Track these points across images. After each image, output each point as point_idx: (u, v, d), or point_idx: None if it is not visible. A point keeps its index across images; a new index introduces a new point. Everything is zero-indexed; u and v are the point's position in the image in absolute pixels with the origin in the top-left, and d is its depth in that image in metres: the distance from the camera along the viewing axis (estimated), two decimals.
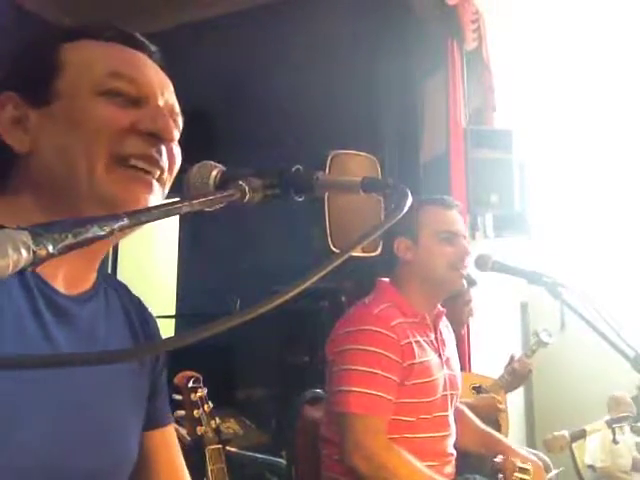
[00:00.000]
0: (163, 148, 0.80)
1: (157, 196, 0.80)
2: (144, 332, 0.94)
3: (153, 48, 0.86)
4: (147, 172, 0.79)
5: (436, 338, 1.87)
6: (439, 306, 1.91)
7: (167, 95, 0.84)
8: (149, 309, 0.99)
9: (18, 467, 0.71)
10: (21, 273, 0.72)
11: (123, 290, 0.95)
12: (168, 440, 0.98)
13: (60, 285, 0.80)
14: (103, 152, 0.76)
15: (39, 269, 0.75)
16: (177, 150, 0.83)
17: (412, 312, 1.81)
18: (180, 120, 0.86)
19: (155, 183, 0.80)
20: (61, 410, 0.77)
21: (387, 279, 1.91)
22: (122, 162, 0.77)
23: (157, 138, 0.79)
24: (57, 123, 0.78)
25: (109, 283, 0.92)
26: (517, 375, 2.68)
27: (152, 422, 0.95)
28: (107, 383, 0.83)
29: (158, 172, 0.80)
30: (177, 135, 0.81)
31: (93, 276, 0.87)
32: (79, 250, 0.76)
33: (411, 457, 1.68)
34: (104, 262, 0.92)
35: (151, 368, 0.95)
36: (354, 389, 1.67)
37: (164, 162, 0.80)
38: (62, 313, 0.79)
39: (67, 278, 0.81)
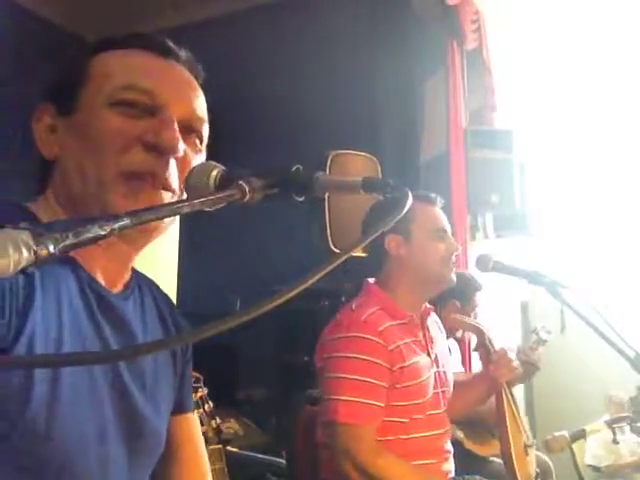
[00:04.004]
0: (171, 159, 0.80)
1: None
2: (175, 327, 0.98)
3: (183, 53, 0.88)
4: (153, 183, 0.79)
5: (424, 336, 1.86)
6: (427, 304, 1.91)
7: (187, 103, 0.84)
8: (177, 309, 1.03)
9: (57, 457, 0.74)
10: (73, 268, 0.78)
11: (153, 286, 0.99)
12: (191, 425, 1.03)
13: (103, 283, 0.83)
14: (110, 164, 0.78)
15: (85, 265, 0.80)
16: (190, 158, 0.83)
17: (400, 314, 1.81)
18: (204, 127, 0.86)
19: (163, 193, 0.80)
20: (104, 402, 0.80)
21: (373, 280, 1.90)
22: (130, 177, 0.78)
23: (161, 151, 0.79)
24: (75, 133, 0.82)
25: (142, 281, 0.95)
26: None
27: (178, 408, 0.99)
28: (151, 374, 0.88)
29: (163, 183, 0.79)
30: (182, 147, 0.80)
31: (128, 274, 0.90)
32: (116, 249, 0.82)
33: (401, 460, 1.69)
34: None
35: (181, 358, 0.99)
36: (342, 397, 1.67)
37: (169, 174, 0.79)
38: (110, 311, 0.83)
39: (105, 276, 0.84)
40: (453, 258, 1.86)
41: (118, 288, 0.87)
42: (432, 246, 1.84)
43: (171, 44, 0.87)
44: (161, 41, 0.87)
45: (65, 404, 0.73)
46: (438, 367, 1.87)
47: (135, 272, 0.93)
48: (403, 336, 1.77)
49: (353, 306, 1.82)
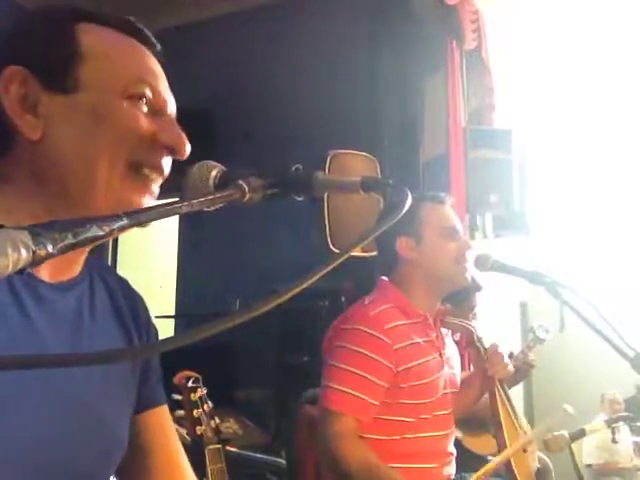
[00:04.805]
0: (169, 159, 0.82)
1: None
2: (133, 317, 0.92)
3: (158, 45, 0.86)
4: (153, 180, 0.81)
5: (437, 337, 1.86)
6: (439, 304, 1.91)
7: (173, 104, 0.85)
8: (138, 293, 0.97)
9: (8, 464, 0.71)
10: None
11: (109, 274, 0.94)
12: (162, 420, 0.97)
13: (45, 274, 0.79)
14: (123, 156, 0.77)
15: None
16: None
17: (414, 313, 1.81)
18: None
19: (156, 189, 0.82)
20: (54, 402, 0.77)
21: (387, 278, 1.90)
22: (136, 169, 0.79)
23: (171, 152, 0.81)
24: (79, 115, 0.76)
25: (95, 268, 0.90)
26: (518, 371, 2.68)
27: (145, 404, 0.94)
28: (99, 371, 0.83)
29: (160, 180, 0.82)
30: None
31: (79, 265, 0.85)
32: None
33: (368, 453, 1.65)
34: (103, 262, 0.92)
35: None
36: (334, 386, 1.68)
37: (167, 172, 0.82)
38: (44, 302, 0.78)
39: (53, 267, 0.80)
40: (467, 256, 1.84)
41: (64, 277, 0.82)
42: (443, 246, 1.83)
43: (149, 33, 0.85)
44: (141, 29, 0.85)
45: (11, 405, 0.71)
46: (450, 368, 1.87)
47: (88, 260, 0.88)
48: (413, 335, 1.77)
49: (366, 301, 1.82)
